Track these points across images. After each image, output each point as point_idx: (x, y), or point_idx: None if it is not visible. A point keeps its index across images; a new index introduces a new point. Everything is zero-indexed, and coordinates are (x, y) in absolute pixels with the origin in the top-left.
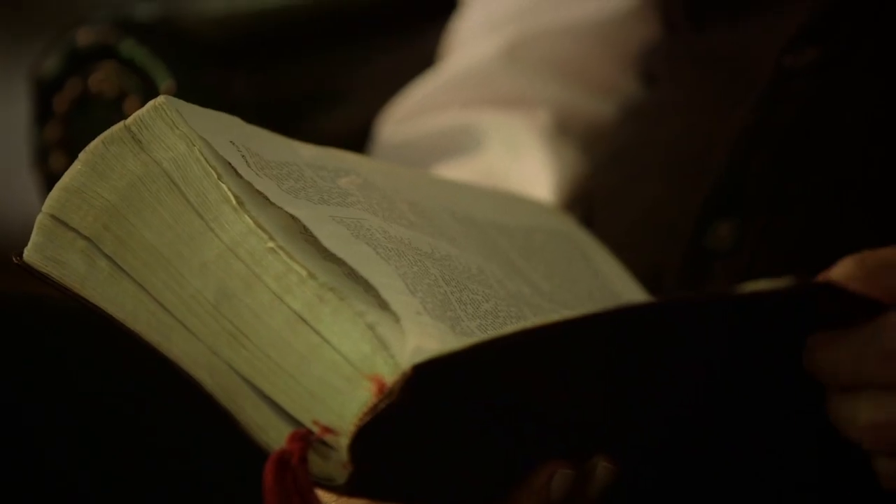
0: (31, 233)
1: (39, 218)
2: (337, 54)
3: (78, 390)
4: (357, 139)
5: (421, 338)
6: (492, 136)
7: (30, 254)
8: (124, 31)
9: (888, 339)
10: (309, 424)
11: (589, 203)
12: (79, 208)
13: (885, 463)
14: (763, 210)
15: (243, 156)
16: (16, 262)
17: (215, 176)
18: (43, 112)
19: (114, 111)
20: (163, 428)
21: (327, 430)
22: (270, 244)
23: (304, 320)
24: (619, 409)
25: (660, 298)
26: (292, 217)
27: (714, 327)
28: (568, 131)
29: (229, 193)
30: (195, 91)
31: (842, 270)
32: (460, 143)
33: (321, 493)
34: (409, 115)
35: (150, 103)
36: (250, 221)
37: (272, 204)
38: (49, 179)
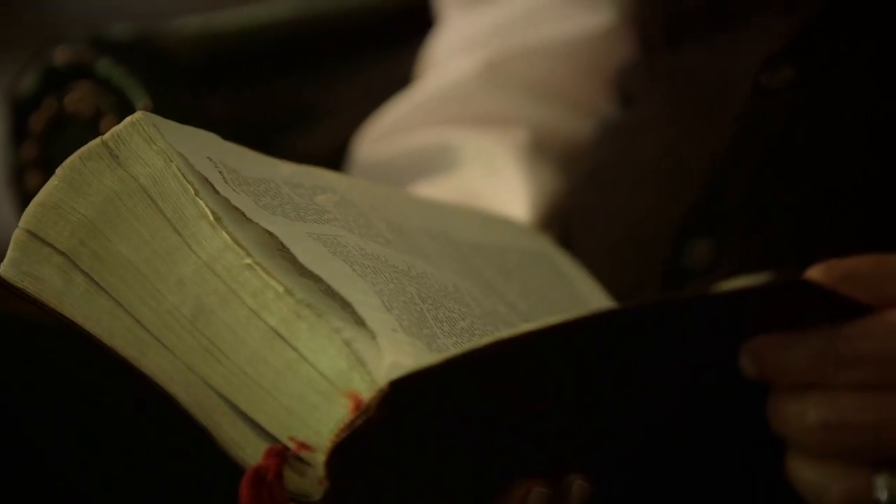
0: (7, 249)
1: (16, 233)
2: (314, 73)
3: (77, 391)
4: (334, 158)
5: (397, 354)
6: (469, 155)
7: (6, 269)
8: (101, 51)
9: (847, 345)
10: (285, 441)
11: (566, 222)
12: (55, 224)
13: (813, 471)
14: (740, 228)
15: (220, 172)
16: None
17: (192, 192)
18: (19, 131)
19: (90, 130)
20: (162, 428)
21: (303, 446)
22: (247, 260)
23: (280, 336)
24: (595, 417)
25: (632, 302)
26: (269, 233)
27: (689, 327)
28: (545, 150)
29: (206, 209)
30: (172, 110)
31: (811, 278)
32: (437, 162)
33: None
34: (385, 133)
35: (128, 119)
36: (227, 237)
37: (249, 220)
38: (25, 198)
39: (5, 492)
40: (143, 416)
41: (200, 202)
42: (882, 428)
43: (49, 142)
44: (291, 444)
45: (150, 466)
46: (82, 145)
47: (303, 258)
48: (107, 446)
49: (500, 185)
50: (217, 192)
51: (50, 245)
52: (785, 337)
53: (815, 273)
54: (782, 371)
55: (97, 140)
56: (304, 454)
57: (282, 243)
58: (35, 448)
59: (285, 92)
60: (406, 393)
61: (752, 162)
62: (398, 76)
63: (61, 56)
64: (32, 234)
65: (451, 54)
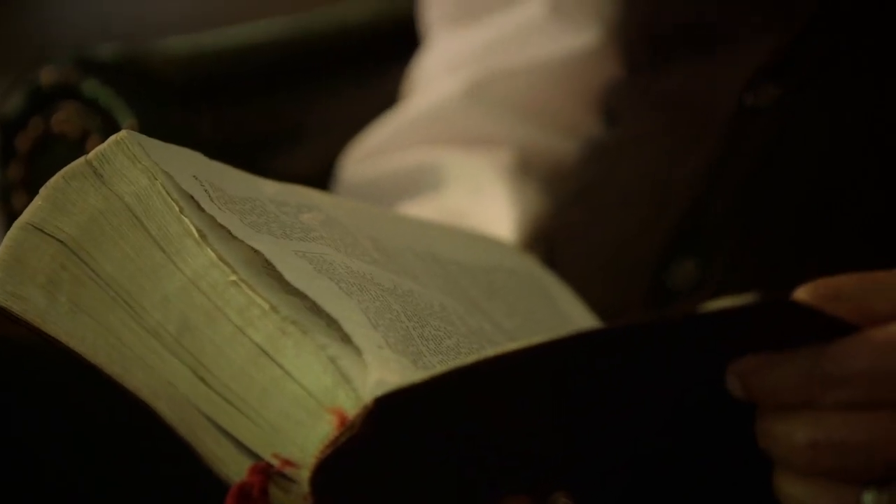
0: None
1: None
2: (300, 94)
3: (71, 397)
4: (320, 178)
5: (383, 371)
6: (454, 175)
7: None
8: (87, 71)
9: (833, 364)
10: (269, 458)
11: (551, 242)
12: (39, 244)
13: (800, 488)
14: (725, 247)
15: (206, 190)
16: None
17: (177, 209)
18: (5, 151)
19: (77, 151)
20: (156, 433)
21: (288, 462)
22: (232, 277)
23: (266, 353)
24: (581, 435)
25: (616, 322)
26: (255, 251)
27: (674, 347)
28: (530, 170)
29: (191, 227)
30: (159, 131)
31: (797, 297)
32: (422, 182)
33: None
34: (371, 154)
35: (112, 137)
36: (212, 254)
37: (235, 238)
38: (11, 219)
39: (3, 496)
40: (138, 420)
41: (185, 220)
42: (871, 447)
43: (35, 162)
44: (275, 461)
45: (144, 471)
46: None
47: (288, 275)
48: (101, 451)
49: (486, 204)
50: (202, 210)
51: (33, 265)
52: (771, 357)
53: (802, 292)
54: (769, 391)
55: (81, 159)
56: (288, 471)
57: (267, 261)
58: (30, 454)
59: (272, 112)
60: (391, 410)
61: (737, 181)
62: (384, 96)
63: (47, 76)
64: (16, 255)
65: (437, 74)
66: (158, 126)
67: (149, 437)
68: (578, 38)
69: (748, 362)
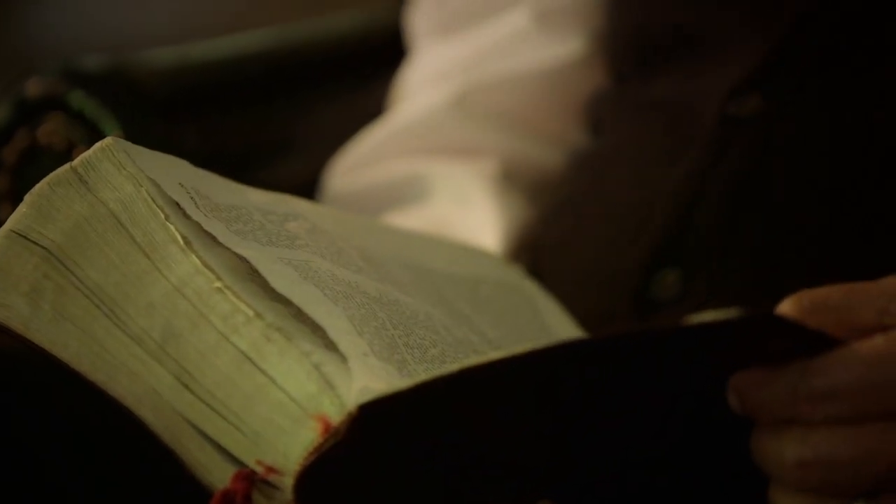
0: None
1: None
2: (286, 105)
3: (71, 397)
4: (307, 189)
5: (368, 378)
6: (440, 185)
7: None
8: (73, 83)
9: (819, 379)
10: (252, 465)
11: (536, 252)
12: (22, 252)
13: (794, 502)
14: (709, 258)
15: (192, 197)
16: None
17: (162, 216)
18: None
19: (63, 162)
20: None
21: (271, 469)
22: (217, 284)
23: (250, 360)
24: (566, 445)
25: (602, 333)
26: (240, 259)
27: (658, 359)
28: (516, 181)
29: (176, 234)
30: (145, 142)
31: (781, 310)
32: (408, 193)
33: None
34: (357, 165)
35: (98, 144)
36: (197, 261)
37: (219, 245)
38: None
39: (3, 496)
40: (136, 420)
41: (170, 226)
42: (858, 462)
43: (22, 174)
44: (259, 468)
45: (144, 471)
46: None
47: (274, 282)
48: (101, 450)
49: (471, 215)
50: (187, 217)
51: (17, 273)
52: (763, 372)
53: (786, 304)
54: (760, 407)
55: (66, 166)
56: (272, 478)
57: (252, 269)
58: (31, 453)
59: (258, 123)
60: (375, 417)
61: (721, 191)
62: (371, 107)
63: (34, 88)
64: (0, 263)
65: (423, 85)
66: (144, 137)
67: (147, 437)
68: (564, 47)
69: (743, 377)
